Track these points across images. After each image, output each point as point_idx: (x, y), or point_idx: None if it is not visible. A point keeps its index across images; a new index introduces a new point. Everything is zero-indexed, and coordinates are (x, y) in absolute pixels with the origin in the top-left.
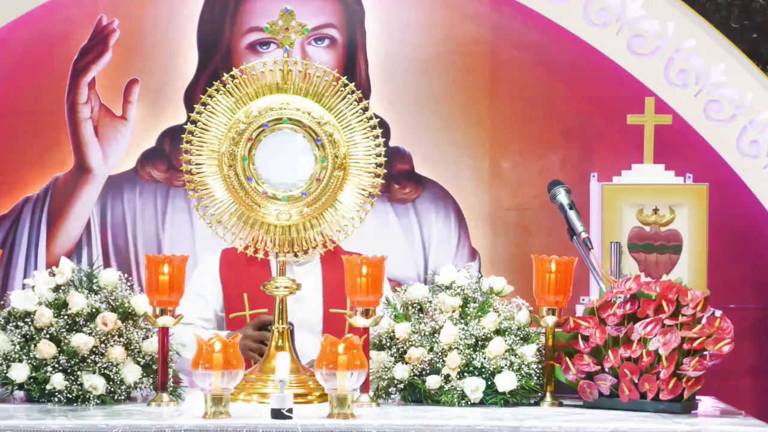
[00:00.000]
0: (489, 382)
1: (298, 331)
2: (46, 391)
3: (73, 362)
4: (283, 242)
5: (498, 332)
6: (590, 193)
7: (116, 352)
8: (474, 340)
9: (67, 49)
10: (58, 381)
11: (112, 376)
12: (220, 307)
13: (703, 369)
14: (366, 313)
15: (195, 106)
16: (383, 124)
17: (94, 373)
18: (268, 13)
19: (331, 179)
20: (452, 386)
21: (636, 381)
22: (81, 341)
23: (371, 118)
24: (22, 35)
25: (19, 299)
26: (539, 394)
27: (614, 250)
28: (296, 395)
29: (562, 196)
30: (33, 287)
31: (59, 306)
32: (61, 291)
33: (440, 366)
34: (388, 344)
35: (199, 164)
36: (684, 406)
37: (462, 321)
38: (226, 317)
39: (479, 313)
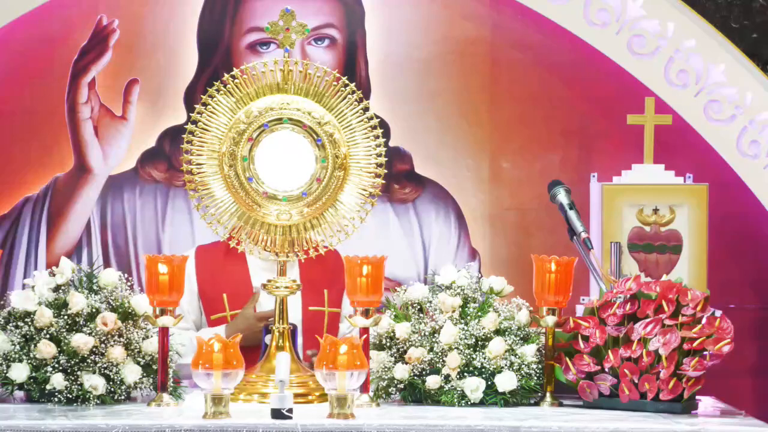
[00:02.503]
0: (489, 382)
1: None
2: (46, 391)
3: (73, 362)
4: (283, 242)
5: (498, 332)
6: (590, 193)
7: (116, 352)
8: (474, 340)
9: (67, 49)
10: (58, 381)
11: (112, 376)
12: (196, 310)
13: (703, 369)
14: (366, 313)
15: (195, 106)
16: (383, 124)
17: (94, 373)
18: (268, 13)
19: (332, 179)
20: (452, 386)
21: (636, 381)
22: (81, 341)
23: (372, 118)
24: (22, 35)
25: (19, 299)
26: (539, 394)
27: (614, 250)
28: (296, 395)
29: (562, 196)
30: (33, 287)
31: (59, 306)
32: (61, 291)
33: (440, 366)
34: (388, 344)
35: (199, 164)
36: (684, 406)
37: (462, 321)
38: (207, 318)
39: (479, 313)
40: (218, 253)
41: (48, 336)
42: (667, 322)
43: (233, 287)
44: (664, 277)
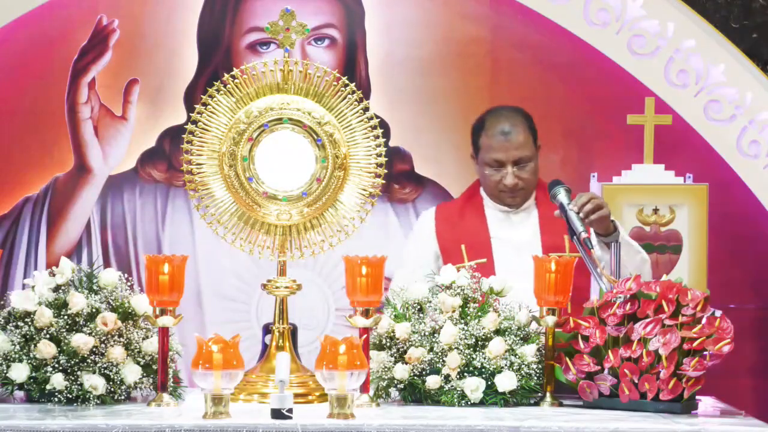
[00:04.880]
0: (489, 382)
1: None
2: (46, 391)
3: (73, 362)
4: (283, 242)
5: (498, 332)
6: None
7: (116, 352)
8: (474, 340)
9: (67, 49)
10: (58, 381)
11: (112, 376)
12: (436, 264)
13: (703, 369)
14: (366, 313)
15: (195, 106)
16: (383, 124)
17: (94, 373)
18: (268, 13)
19: (332, 179)
20: (452, 386)
21: (636, 381)
22: (81, 341)
23: (372, 118)
24: (22, 35)
25: (19, 299)
26: (539, 394)
27: (614, 250)
28: (296, 395)
29: (562, 196)
30: (33, 287)
31: (59, 306)
32: (61, 291)
33: (440, 366)
34: (388, 344)
35: (199, 164)
36: (684, 406)
37: (462, 321)
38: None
39: (479, 313)
40: (456, 208)
41: (48, 336)
42: (667, 322)
43: (471, 237)
44: (664, 277)
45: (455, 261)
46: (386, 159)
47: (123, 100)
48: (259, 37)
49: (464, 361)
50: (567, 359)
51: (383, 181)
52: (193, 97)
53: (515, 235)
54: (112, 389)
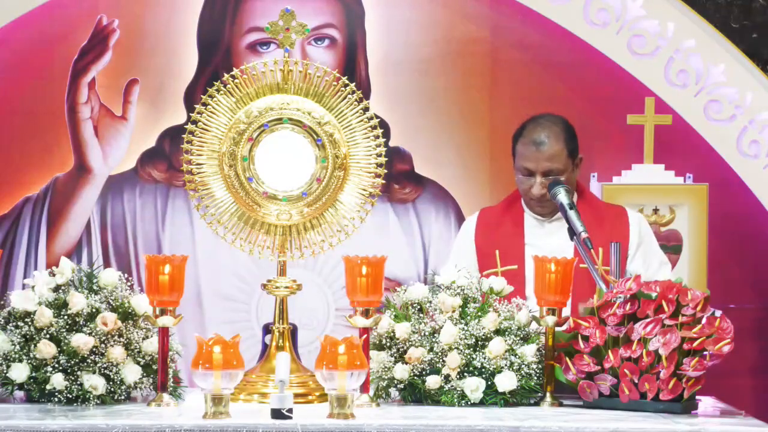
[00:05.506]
0: (489, 382)
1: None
2: (46, 391)
3: (73, 362)
4: (283, 242)
5: (498, 332)
6: None
7: (116, 352)
8: (474, 340)
9: (67, 49)
10: (58, 381)
11: (112, 376)
12: (474, 265)
13: (703, 369)
14: (366, 313)
15: (195, 106)
16: (383, 124)
17: (94, 373)
18: (268, 13)
19: (332, 179)
20: (452, 386)
21: (636, 381)
22: (81, 341)
23: (372, 118)
24: (22, 35)
25: (19, 299)
26: (539, 394)
27: (614, 250)
28: (296, 395)
29: (562, 196)
30: (33, 287)
31: (59, 306)
32: (61, 291)
33: (440, 366)
34: (388, 344)
35: (199, 164)
36: (684, 406)
37: (462, 321)
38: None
39: (479, 313)
40: (498, 213)
41: (48, 336)
42: (667, 322)
43: (507, 243)
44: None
45: (490, 265)
46: (386, 159)
47: (123, 100)
48: (259, 37)
49: (464, 361)
50: (567, 359)
51: (383, 181)
52: (193, 97)
53: (548, 243)
54: (112, 389)
